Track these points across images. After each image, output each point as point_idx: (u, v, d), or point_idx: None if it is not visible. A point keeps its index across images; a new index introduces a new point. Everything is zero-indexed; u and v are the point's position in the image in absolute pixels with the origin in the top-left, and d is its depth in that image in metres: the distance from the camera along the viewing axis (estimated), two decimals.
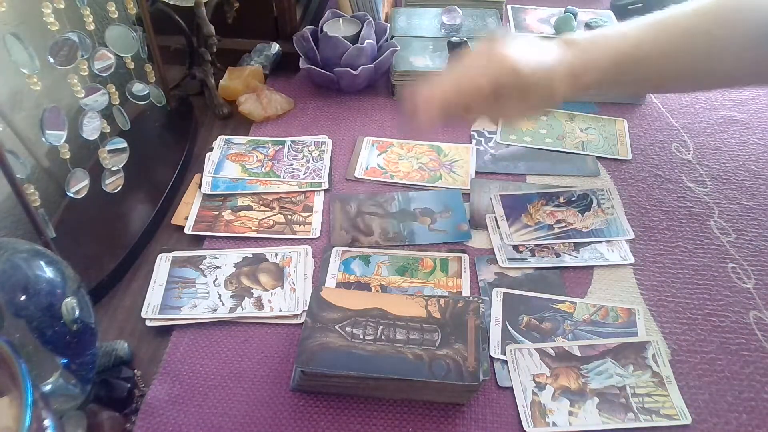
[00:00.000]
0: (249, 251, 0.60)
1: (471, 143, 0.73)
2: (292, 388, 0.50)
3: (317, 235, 0.62)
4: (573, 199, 0.65)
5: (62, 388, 0.43)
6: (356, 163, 0.70)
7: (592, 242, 0.61)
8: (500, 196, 0.66)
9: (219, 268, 0.58)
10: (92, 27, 0.58)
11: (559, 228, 0.62)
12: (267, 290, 0.57)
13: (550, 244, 0.61)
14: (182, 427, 0.48)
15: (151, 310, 0.55)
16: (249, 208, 0.65)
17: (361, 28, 0.78)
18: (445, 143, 0.73)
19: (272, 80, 0.82)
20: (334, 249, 0.60)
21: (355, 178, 0.69)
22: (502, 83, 0.53)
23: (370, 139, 0.73)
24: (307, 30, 0.80)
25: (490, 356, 0.51)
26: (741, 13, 0.57)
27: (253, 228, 0.63)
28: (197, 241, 0.62)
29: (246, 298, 0.56)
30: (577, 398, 0.49)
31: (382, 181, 0.68)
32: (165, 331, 0.54)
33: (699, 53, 0.58)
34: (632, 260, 0.59)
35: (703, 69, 0.59)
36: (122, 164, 0.63)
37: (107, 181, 0.62)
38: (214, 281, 0.57)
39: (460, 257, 0.60)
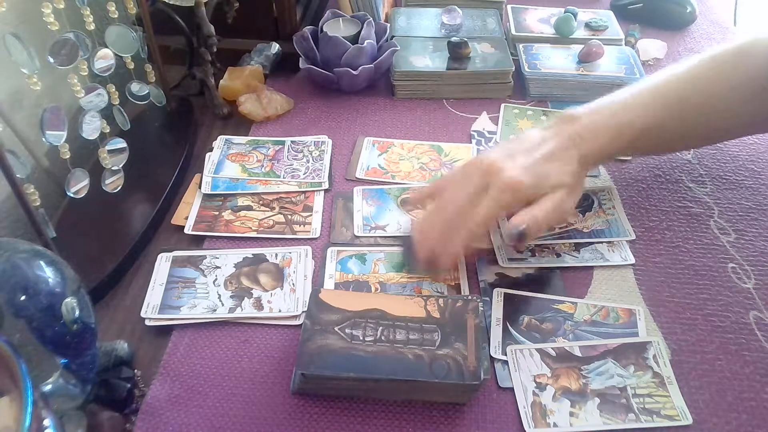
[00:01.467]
0: (249, 251, 0.60)
1: (471, 143, 0.73)
2: (292, 391, 0.49)
3: (317, 235, 0.62)
4: None
5: (62, 388, 0.43)
6: (357, 163, 0.70)
7: (593, 242, 0.61)
8: None
9: (219, 268, 0.58)
10: (92, 27, 0.58)
11: (560, 228, 0.62)
12: (267, 291, 0.57)
13: (550, 244, 0.61)
14: (182, 427, 0.48)
15: (150, 310, 0.55)
16: (249, 208, 0.65)
17: (361, 28, 0.78)
18: (445, 143, 0.73)
19: (272, 80, 0.82)
20: (330, 249, 0.60)
21: (356, 178, 0.69)
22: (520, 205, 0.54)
23: (371, 139, 0.73)
24: (307, 30, 0.80)
25: (491, 356, 0.51)
26: (737, 64, 0.59)
27: (253, 228, 0.63)
28: (197, 241, 0.62)
29: (246, 298, 0.56)
30: (578, 399, 0.49)
31: (383, 182, 0.68)
32: (165, 331, 0.54)
33: (698, 118, 0.59)
34: (633, 261, 0.59)
35: (704, 131, 0.62)
36: (122, 164, 0.63)
37: (107, 181, 0.62)
38: (214, 281, 0.57)
39: None
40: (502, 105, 0.78)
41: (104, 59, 0.60)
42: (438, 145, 0.73)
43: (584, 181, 0.59)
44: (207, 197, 0.66)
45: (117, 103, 0.63)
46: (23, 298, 0.40)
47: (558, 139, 0.56)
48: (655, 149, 0.68)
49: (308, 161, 0.70)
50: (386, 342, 0.47)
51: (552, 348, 0.52)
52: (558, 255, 0.60)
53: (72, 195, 0.57)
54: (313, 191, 0.67)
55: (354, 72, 0.76)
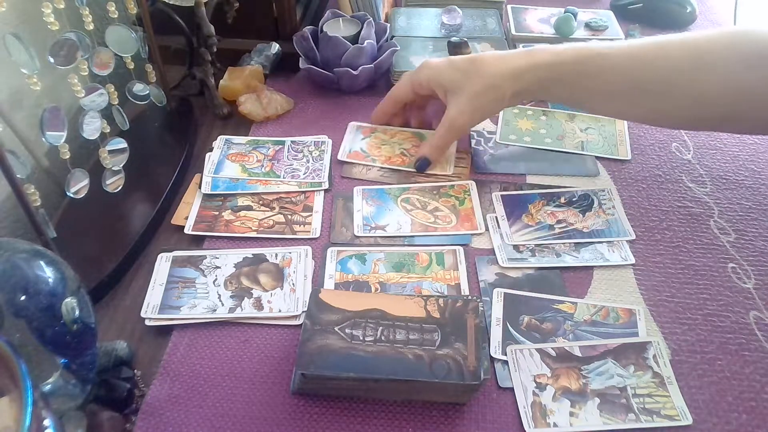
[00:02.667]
0: (249, 251, 0.60)
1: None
2: (292, 392, 0.49)
3: (317, 235, 0.62)
4: (574, 199, 0.65)
5: (62, 388, 0.43)
6: (340, 147, 0.72)
7: (593, 242, 0.61)
8: (501, 195, 0.66)
9: (219, 268, 0.58)
10: (92, 27, 0.58)
11: (560, 228, 0.62)
12: (267, 291, 0.57)
13: (550, 244, 0.61)
14: (182, 427, 0.48)
15: (150, 310, 0.55)
16: (249, 208, 0.65)
17: (361, 28, 0.78)
18: (428, 130, 0.74)
19: (272, 80, 0.82)
20: (330, 249, 0.60)
21: (338, 160, 0.70)
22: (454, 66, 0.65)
23: (355, 124, 0.75)
24: (307, 30, 0.80)
25: (491, 356, 0.51)
26: (740, 38, 0.58)
27: (253, 228, 0.63)
28: (197, 241, 0.62)
29: (246, 298, 0.56)
30: (578, 399, 0.49)
31: (364, 164, 0.70)
32: (165, 331, 0.54)
33: (677, 62, 0.59)
34: (633, 260, 0.59)
35: (681, 83, 0.59)
36: (122, 164, 0.63)
37: (107, 181, 0.62)
38: (213, 281, 0.57)
39: (455, 249, 0.60)
40: None
41: (104, 59, 0.60)
42: (420, 132, 0.73)
43: (491, 109, 0.66)
44: (207, 197, 0.66)
45: (117, 103, 0.63)
46: (23, 298, 0.40)
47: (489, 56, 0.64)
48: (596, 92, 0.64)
49: (308, 161, 0.70)
50: (386, 342, 0.47)
51: (552, 348, 0.52)
52: (558, 255, 0.60)
53: (72, 195, 0.57)
54: (313, 191, 0.67)
55: (354, 72, 0.76)
